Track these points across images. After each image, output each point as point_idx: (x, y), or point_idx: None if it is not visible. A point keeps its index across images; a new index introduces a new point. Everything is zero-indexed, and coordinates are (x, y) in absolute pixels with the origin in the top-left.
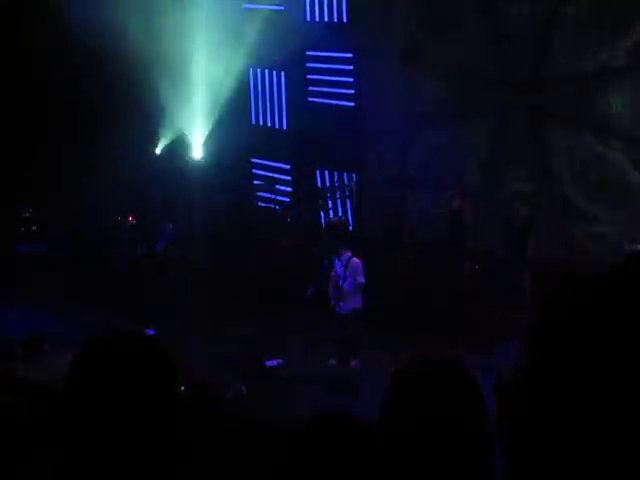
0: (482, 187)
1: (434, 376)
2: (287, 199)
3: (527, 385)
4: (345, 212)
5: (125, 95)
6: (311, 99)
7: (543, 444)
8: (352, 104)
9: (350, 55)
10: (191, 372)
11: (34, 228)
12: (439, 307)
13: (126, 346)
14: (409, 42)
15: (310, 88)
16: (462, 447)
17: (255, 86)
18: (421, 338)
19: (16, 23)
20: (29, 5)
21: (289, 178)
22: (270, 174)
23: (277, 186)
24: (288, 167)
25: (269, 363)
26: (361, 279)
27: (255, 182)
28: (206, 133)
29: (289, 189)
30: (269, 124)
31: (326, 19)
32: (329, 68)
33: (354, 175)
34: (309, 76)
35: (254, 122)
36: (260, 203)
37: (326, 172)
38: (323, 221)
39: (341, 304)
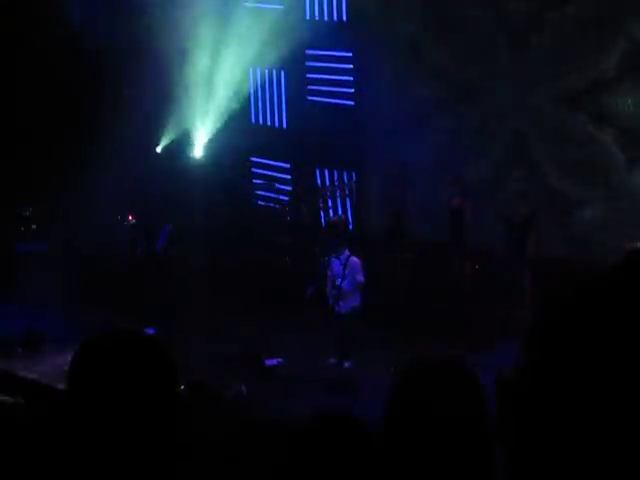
0: (482, 185)
1: (438, 376)
2: (287, 198)
3: (527, 384)
4: (345, 211)
5: (125, 94)
6: (311, 98)
7: (543, 443)
8: (352, 103)
9: (350, 54)
10: (191, 372)
11: (34, 227)
12: (439, 307)
13: (126, 345)
14: (409, 41)
15: (310, 87)
16: (465, 447)
17: (255, 85)
18: (421, 338)
19: (17, 22)
20: (29, 5)
21: (289, 177)
22: (270, 173)
23: (276, 185)
24: (288, 166)
25: (269, 362)
26: (360, 278)
27: (255, 181)
28: (206, 132)
29: (289, 188)
30: (269, 123)
31: (326, 18)
32: (329, 67)
33: (354, 174)
34: (309, 75)
35: (254, 121)
36: (260, 202)
37: (326, 171)
38: (323, 220)
39: (340, 303)
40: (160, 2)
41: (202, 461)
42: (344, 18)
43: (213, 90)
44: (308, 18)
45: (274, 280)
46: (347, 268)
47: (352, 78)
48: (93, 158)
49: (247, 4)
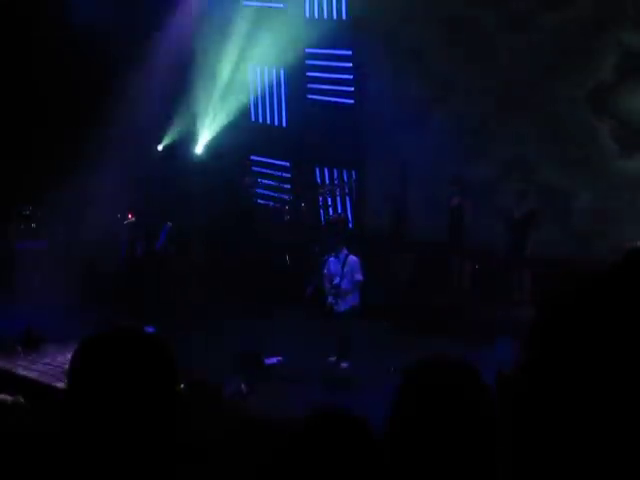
0: (482, 185)
1: (444, 376)
2: (286, 196)
3: (527, 384)
4: (345, 210)
5: (125, 94)
6: (311, 96)
7: (543, 442)
8: (352, 102)
9: (350, 53)
10: (191, 371)
11: (34, 226)
12: (439, 307)
13: (126, 343)
14: (409, 40)
15: (310, 85)
16: (471, 447)
17: (255, 83)
18: (421, 338)
19: (17, 22)
20: (29, 5)
21: (289, 175)
22: (270, 171)
23: (274, 183)
24: (288, 164)
25: (268, 361)
26: (359, 276)
27: (251, 179)
28: (206, 131)
29: (288, 186)
30: (269, 121)
31: (326, 17)
32: (329, 65)
33: (353, 172)
34: (309, 73)
35: (254, 119)
36: (259, 200)
37: (326, 169)
38: (323, 218)
39: (339, 302)
40: (162, 3)
41: (202, 460)
42: (344, 17)
43: (214, 89)
44: (308, 17)
45: (274, 279)
46: (346, 267)
47: (352, 77)
48: (93, 157)
49: (247, 2)
